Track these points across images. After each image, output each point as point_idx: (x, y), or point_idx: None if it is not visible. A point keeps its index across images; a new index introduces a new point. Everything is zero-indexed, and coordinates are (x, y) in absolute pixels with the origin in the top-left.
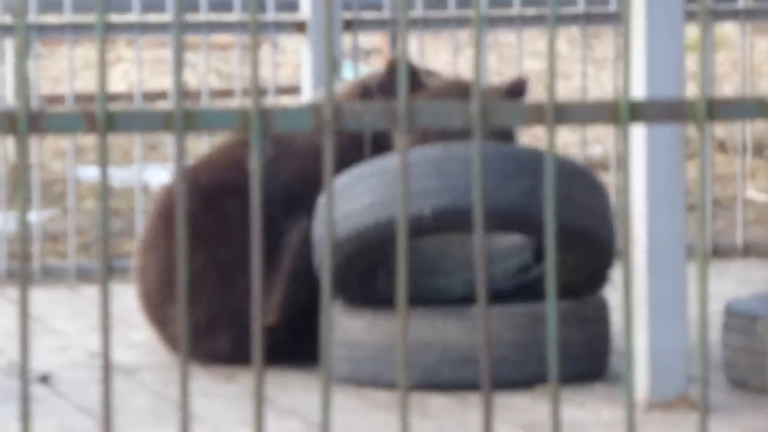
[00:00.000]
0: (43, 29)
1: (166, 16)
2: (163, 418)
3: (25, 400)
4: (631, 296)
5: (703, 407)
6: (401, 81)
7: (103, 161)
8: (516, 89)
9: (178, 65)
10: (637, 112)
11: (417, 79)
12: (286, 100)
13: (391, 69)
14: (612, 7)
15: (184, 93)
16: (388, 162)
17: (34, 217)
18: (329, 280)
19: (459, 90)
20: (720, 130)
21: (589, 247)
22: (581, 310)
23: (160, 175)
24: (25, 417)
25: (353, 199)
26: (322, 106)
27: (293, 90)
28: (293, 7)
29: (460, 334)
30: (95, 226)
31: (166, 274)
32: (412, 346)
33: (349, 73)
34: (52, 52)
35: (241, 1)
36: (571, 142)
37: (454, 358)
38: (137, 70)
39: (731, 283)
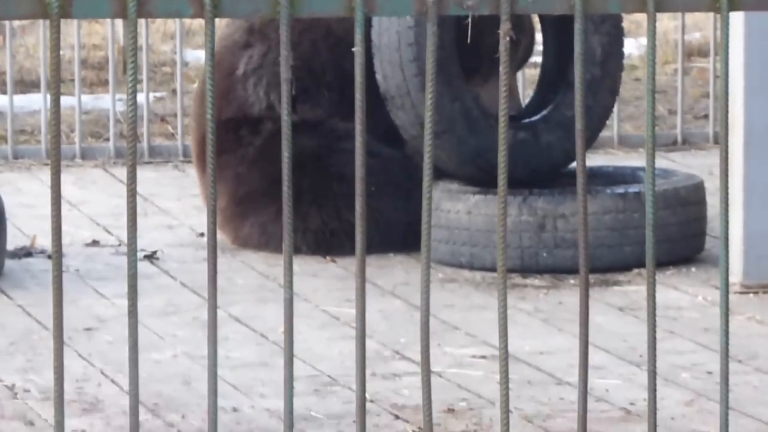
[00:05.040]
0: None
1: None
2: (267, 297)
3: (133, 278)
4: (727, 180)
5: None
6: None
7: (210, 45)
8: None
9: None
10: None
11: None
12: None
13: None
14: None
15: None
16: None
17: (143, 98)
18: (429, 163)
19: None
20: None
21: None
22: (678, 193)
23: None
24: (133, 294)
25: None
26: None
27: None
28: None
29: (557, 217)
30: None
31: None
32: (511, 229)
33: None
34: None
35: None
36: (670, 28)
37: (552, 241)
38: None
39: None
